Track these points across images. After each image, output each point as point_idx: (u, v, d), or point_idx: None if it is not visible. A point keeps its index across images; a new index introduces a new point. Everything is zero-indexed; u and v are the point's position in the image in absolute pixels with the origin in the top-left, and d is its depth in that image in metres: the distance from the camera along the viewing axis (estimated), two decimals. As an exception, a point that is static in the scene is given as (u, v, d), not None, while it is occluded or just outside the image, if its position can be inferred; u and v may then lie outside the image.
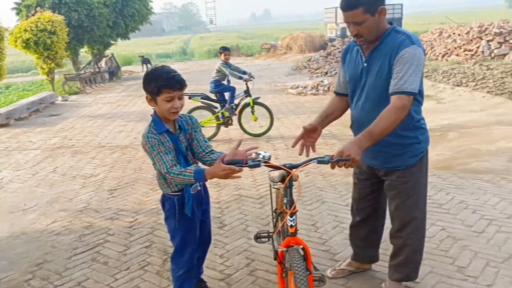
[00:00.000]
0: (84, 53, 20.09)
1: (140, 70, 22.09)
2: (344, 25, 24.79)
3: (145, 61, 22.22)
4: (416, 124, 2.39)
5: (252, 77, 6.97)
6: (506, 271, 2.88)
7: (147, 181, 5.25)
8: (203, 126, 6.93)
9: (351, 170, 2.56)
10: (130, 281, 3.07)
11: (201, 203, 2.50)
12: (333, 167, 2.13)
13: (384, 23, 2.31)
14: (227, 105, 7.07)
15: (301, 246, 2.19)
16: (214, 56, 30.62)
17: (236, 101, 7.14)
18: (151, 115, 2.33)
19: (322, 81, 12.22)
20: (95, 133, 8.32)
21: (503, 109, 7.61)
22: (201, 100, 7.02)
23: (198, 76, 17.75)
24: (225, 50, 7.17)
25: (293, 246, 2.19)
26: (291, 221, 2.21)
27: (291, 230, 2.22)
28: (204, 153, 2.41)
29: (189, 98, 6.86)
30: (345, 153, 2.07)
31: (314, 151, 2.51)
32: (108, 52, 20.20)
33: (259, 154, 2.29)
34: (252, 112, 7.03)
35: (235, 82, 7.36)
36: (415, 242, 2.54)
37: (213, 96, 7.17)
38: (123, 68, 21.08)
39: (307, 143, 2.49)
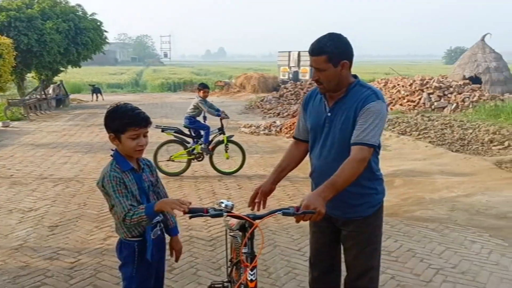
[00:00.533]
0: (31, 78, 19.31)
1: (89, 99, 21.53)
2: (297, 69, 25.83)
3: (95, 90, 21.74)
4: (375, 174, 2.44)
5: (226, 115, 7.05)
6: (453, 322, 2.94)
7: (91, 218, 4.98)
8: (173, 160, 6.93)
9: None
10: (68, 330, 2.84)
11: (159, 249, 2.38)
12: (298, 221, 2.09)
13: (348, 76, 2.38)
14: (203, 145, 7.01)
15: None
16: (167, 90, 30.56)
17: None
18: (111, 155, 2.26)
19: (274, 122, 12.42)
20: (37, 163, 7.88)
21: (444, 159, 8.04)
22: (174, 134, 6.94)
23: (150, 109, 17.50)
24: (204, 87, 7.13)
25: None
26: (251, 275, 2.11)
27: (251, 285, 2.11)
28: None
29: (162, 131, 6.87)
30: (311, 206, 2.06)
31: (264, 207, 2.55)
32: (57, 78, 19.56)
33: (222, 202, 2.23)
34: (226, 150, 7.05)
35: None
36: None
37: (186, 131, 7.09)
38: (71, 96, 20.45)
39: (257, 200, 2.54)
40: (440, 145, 9.28)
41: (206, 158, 7.10)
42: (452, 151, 8.77)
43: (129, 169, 2.23)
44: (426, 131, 10.91)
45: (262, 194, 2.55)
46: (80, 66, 20.65)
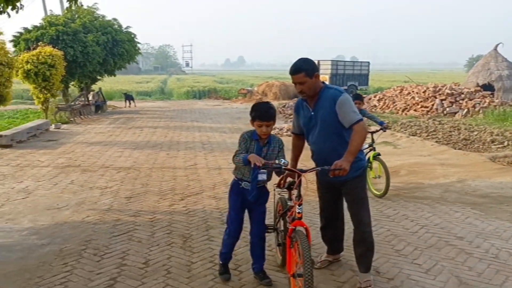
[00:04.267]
0: (71, 86, 21.07)
1: (122, 105, 23.22)
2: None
3: (128, 97, 23.44)
4: None
5: (387, 127, 6.39)
6: (427, 252, 4.18)
7: (155, 193, 6.36)
8: None
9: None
10: (161, 251, 4.19)
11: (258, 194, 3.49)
12: (331, 175, 3.14)
13: (319, 83, 3.43)
14: None
15: (304, 227, 3.20)
16: (192, 97, 32.13)
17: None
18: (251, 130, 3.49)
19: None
20: (96, 156, 9.34)
21: (446, 155, 9.18)
22: None
23: (181, 114, 19.08)
24: (356, 98, 6.16)
25: (298, 226, 3.19)
26: (299, 209, 3.22)
27: (298, 215, 3.21)
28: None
29: None
30: (338, 164, 3.09)
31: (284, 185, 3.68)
32: (94, 86, 21.29)
33: (281, 160, 3.29)
34: (370, 168, 6.42)
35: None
36: (367, 234, 3.49)
37: None
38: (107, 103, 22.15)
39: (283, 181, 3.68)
40: (445, 144, 10.40)
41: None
42: (455, 149, 9.89)
43: (256, 139, 3.40)
44: (434, 132, 12.03)
45: (287, 176, 3.61)
46: (115, 75, 22.36)
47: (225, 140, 11.64)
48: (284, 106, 19.74)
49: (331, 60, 28.41)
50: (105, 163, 8.64)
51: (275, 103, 22.43)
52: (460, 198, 6.22)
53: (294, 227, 3.21)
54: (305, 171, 3.23)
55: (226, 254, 3.68)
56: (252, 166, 3.19)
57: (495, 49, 21.39)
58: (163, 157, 9.27)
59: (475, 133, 11.74)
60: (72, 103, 17.00)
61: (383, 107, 18.54)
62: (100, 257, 4.05)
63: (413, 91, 18.74)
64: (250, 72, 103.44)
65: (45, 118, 14.56)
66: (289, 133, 12.83)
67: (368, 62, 29.78)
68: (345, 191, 3.60)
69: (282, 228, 3.78)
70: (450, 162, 8.48)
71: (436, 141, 10.76)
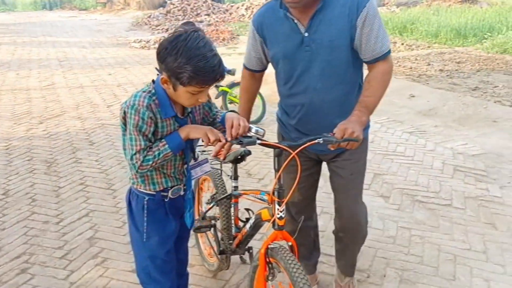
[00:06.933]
0: None
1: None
2: (182, -16, 25.19)
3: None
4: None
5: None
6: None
7: (8, 118, 5.68)
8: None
9: None
10: (22, 180, 3.86)
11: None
12: (332, 148, 1.73)
13: None
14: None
15: (290, 243, 1.80)
16: (42, 8, 28.33)
17: None
18: (153, 83, 1.70)
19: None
20: None
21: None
22: None
23: (29, 28, 16.91)
24: None
25: (280, 241, 1.80)
26: (281, 212, 1.77)
27: (280, 223, 1.78)
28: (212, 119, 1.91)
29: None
30: (349, 131, 1.68)
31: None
32: None
33: (251, 128, 1.81)
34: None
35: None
36: (364, 225, 2.23)
37: None
38: None
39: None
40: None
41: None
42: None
43: (172, 116, 1.68)
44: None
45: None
46: None
47: (86, 56, 10.67)
48: (149, 17, 18.53)
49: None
50: None
51: (139, 13, 21.08)
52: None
53: (272, 243, 1.81)
54: (298, 146, 1.72)
55: None
56: (205, 145, 1.71)
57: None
58: (13, 77, 8.21)
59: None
60: None
61: (251, 16, 18.49)
62: None
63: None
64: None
65: None
66: (156, 45, 12.19)
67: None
68: (337, 165, 2.10)
69: (221, 219, 2.30)
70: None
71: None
